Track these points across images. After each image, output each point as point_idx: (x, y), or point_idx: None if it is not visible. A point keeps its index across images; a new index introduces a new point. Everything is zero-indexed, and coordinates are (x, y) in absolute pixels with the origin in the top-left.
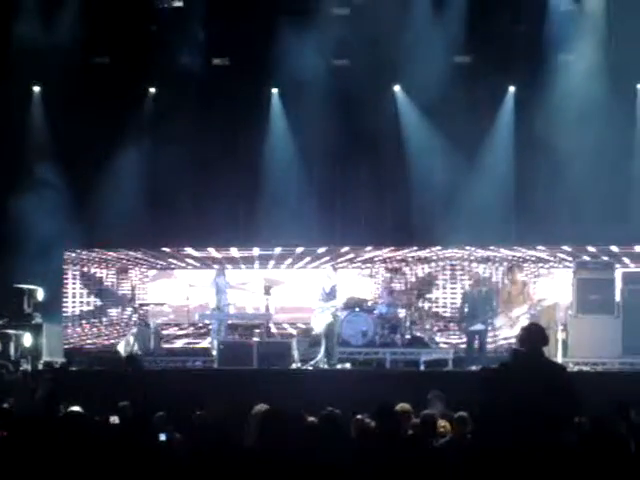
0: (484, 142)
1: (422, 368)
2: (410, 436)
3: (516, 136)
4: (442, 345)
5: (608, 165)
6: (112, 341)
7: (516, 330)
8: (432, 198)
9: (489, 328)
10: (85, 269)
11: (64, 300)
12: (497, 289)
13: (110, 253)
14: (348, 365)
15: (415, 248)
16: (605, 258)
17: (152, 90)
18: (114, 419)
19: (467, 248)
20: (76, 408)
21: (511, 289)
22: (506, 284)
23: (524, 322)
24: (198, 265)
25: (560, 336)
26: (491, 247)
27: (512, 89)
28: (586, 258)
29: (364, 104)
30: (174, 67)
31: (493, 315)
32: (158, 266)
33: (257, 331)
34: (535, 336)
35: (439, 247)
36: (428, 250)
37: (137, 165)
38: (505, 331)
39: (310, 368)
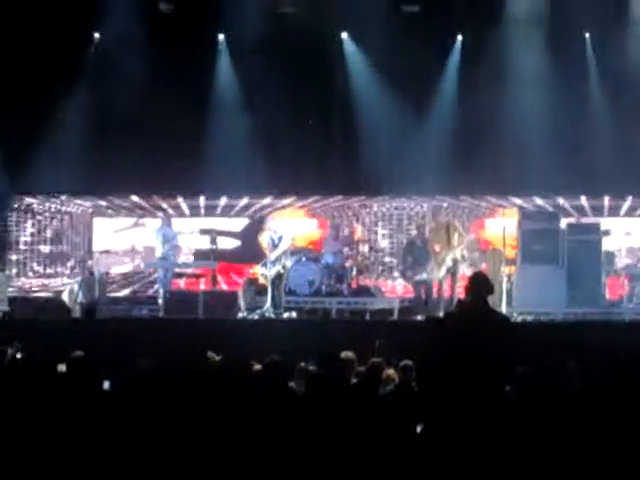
0: (432, 92)
1: (368, 317)
2: (355, 384)
3: (463, 86)
4: (388, 295)
5: (556, 116)
6: (57, 290)
7: (442, 272)
8: (380, 147)
9: (432, 277)
10: (32, 216)
11: (10, 248)
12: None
13: (58, 200)
14: (294, 314)
15: (363, 197)
16: (550, 208)
17: (97, 35)
18: (61, 368)
19: (414, 198)
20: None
21: (436, 232)
22: (432, 227)
23: (449, 264)
24: (143, 213)
25: (505, 286)
26: (437, 197)
27: (460, 38)
28: (531, 208)
29: (311, 52)
30: (119, 12)
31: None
32: (107, 214)
33: (203, 280)
34: (479, 285)
35: (386, 196)
36: (375, 200)
37: (83, 113)
38: (434, 274)
39: (256, 317)
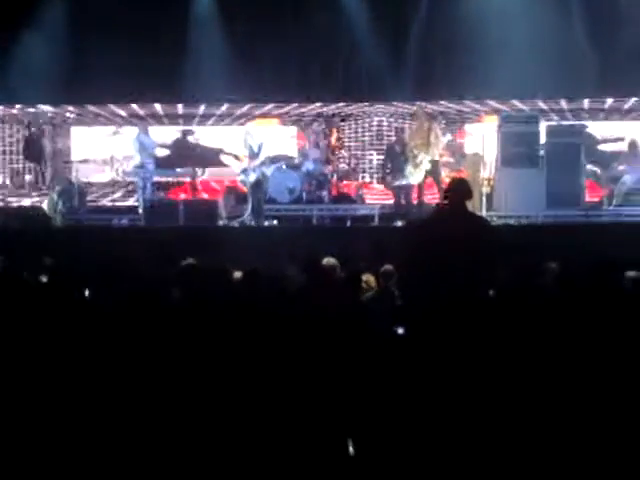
0: None
1: (349, 224)
2: (337, 289)
3: None
4: (369, 201)
5: (537, 17)
6: (36, 200)
7: (421, 174)
8: (361, 53)
9: (410, 181)
10: (8, 126)
11: None
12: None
13: (35, 108)
14: (275, 222)
15: (342, 104)
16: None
17: None
18: (42, 277)
19: (394, 104)
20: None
21: (415, 132)
22: (411, 128)
23: (427, 166)
24: (122, 122)
25: (485, 190)
26: (417, 102)
27: None
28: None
29: None
30: None
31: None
32: (84, 122)
33: (183, 189)
34: (458, 189)
35: (367, 103)
36: (355, 106)
37: (59, 19)
38: (413, 177)
39: (237, 225)
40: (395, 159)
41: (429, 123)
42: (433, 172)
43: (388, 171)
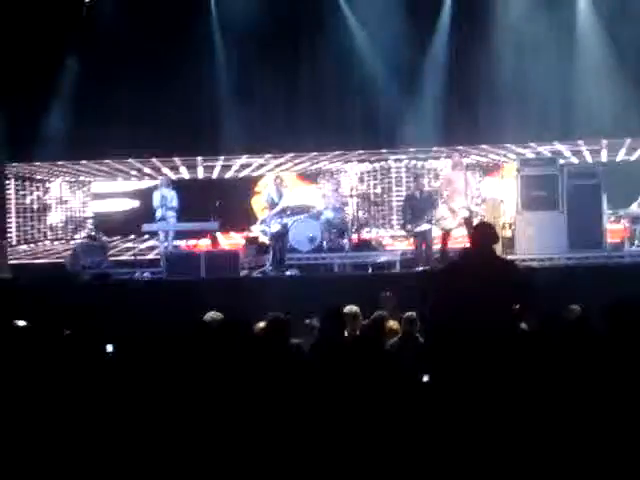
0: (425, 43)
1: (370, 271)
2: (358, 336)
3: (456, 37)
4: (390, 248)
5: (549, 64)
6: (59, 256)
7: (457, 221)
8: (378, 103)
9: (434, 227)
10: (30, 184)
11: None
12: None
13: (47, 165)
14: (296, 271)
15: (362, 152)
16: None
17: None
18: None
19: (410, 150)
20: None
21: (452, 181)
22: (447, 177)
23: (464, 213)
24: (140, 175)
25: (506, 233)
26: (434, 148)
27: None
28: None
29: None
30: None
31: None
32: (101, 178)
33: (204, 240)
34: (485, 234)
35: (383, 150)
36: (374, 152)
37: (70, 76)
38: (447, 222)
39: (259, 275)
40: (415, 206)
41: (464, 171)
42: (468, 220)
43: (409, 217)
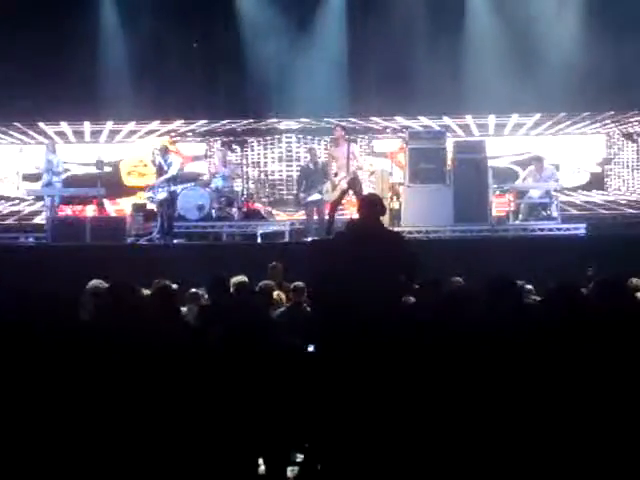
0: (317, 11)
1: (259, 241)
2: (247, 306)
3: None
4: (279, 218)
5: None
6: None
7: (336, 193)
8: (267, 69)
9: (325, 198)
10: None
11: None
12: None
13: None
14: (184, 240)
15: (251, 121)
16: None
17: None
18: None
19: (302, 120)
20: None
21: (334, 152)
22: (331, 149)
23: (344, 186)
24: (27, 140)
25: (394, 205)
26: (325, 119)
27: None
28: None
29: None
30: None
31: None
32: None
33: (90, 206)
34: (372, 205)
35: (275, 120)
36: (264, 123)
37: None
38: (329, 194)
39: (145, 243)
40: (309, 176)
41: (348, 143)
42: (353, 189)
43: (303, 188)
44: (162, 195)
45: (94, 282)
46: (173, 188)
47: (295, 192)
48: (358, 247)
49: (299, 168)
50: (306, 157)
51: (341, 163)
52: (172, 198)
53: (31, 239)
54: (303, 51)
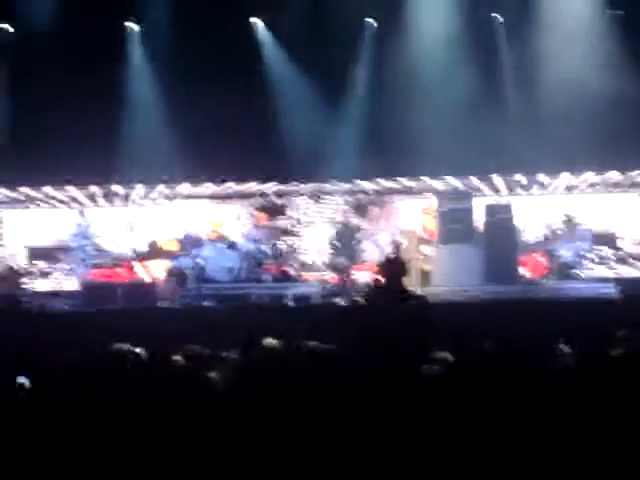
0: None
1: (289, 302)
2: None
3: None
4: (309, 279)
5: (467, 97)
6: None
7: (379, 254)
8: (299, 134)
9: (355, 261)
10: None
11: None
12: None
13: None
14: (214, 302)
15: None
16: (462, 188)
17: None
18: None
19: (333, 182)
20: None
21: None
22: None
23: (387, 248)
24: (57, 205)
25: (424, 266)
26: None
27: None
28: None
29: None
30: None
31: (358, 246)
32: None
33: (121, 270)
34: (394, 267)
35: (304, 181)
36: (292, 185)
37: None
38: (369, 254)
39: (177, 306)
40: (342, 239)
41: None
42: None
43: (334, 252)
44: (186, 261)
45: (121, 346)
46: (202, 252)
47: (330, 254)
48: (379, 312)
49: (334, 230)
50: (338, 220)
51: (376, 227)
52: (198, 263)
53: (64, 304)
54: (331, 116)
